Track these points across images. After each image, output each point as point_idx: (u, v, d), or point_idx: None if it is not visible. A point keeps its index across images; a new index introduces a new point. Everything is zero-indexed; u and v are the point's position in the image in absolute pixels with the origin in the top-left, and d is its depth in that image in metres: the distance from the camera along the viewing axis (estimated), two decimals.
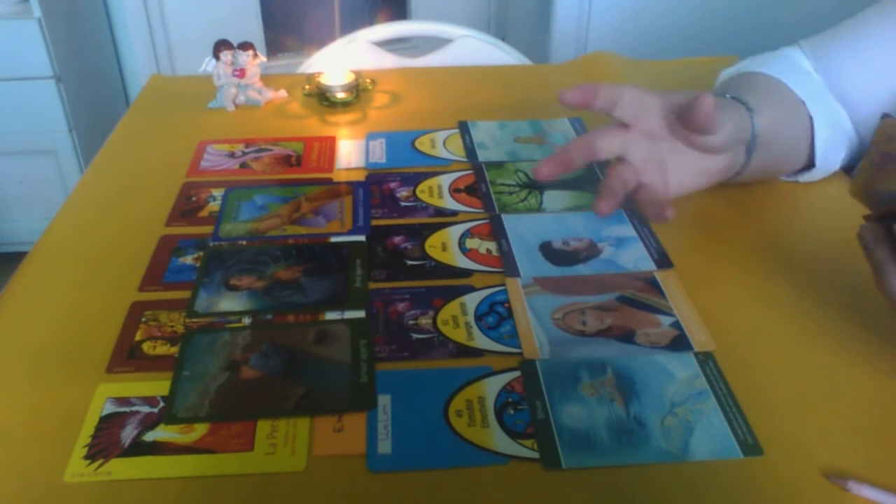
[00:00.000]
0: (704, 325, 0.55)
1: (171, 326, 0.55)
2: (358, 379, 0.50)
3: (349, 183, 0.73)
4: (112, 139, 0.82)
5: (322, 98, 0.88)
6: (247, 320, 0.56)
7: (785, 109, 0.69)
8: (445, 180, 0.74)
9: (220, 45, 0.86)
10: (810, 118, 0.69)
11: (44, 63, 1.68)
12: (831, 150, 0.71)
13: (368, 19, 2.21)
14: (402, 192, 0.72)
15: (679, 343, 0.54)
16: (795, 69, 0.72)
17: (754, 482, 0.44)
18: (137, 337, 0.54)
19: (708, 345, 0.53)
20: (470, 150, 0.79)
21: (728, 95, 0.65)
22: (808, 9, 0.73)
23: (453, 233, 0.66)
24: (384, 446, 0.46)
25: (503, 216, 0.68)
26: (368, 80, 0.91)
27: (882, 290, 0.48)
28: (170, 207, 0.69)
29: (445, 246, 0.64)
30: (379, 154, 0.79)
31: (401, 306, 0.57)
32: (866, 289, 0.51)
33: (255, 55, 0.87)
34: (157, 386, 0.50)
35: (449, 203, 0.70)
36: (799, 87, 0.70)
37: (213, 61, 0.86)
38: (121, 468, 0.44)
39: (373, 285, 0.59)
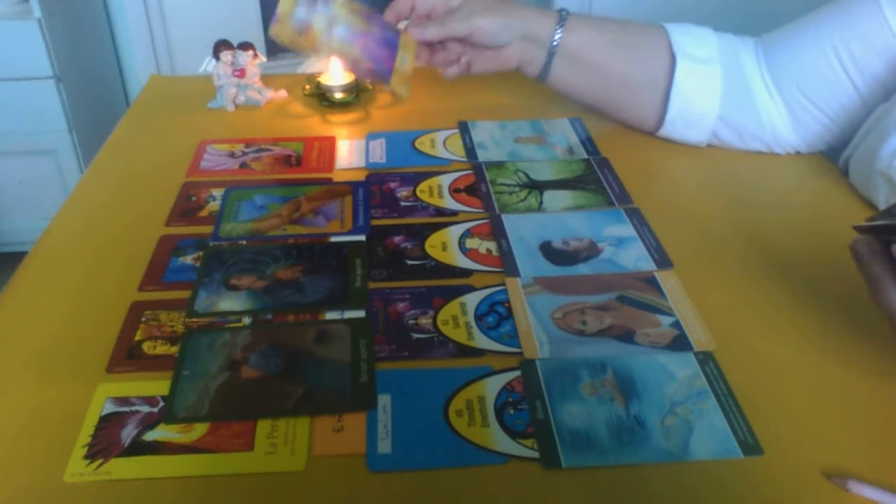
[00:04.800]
0: (704, 325, 0.55)
1: (171, 326, 0.55)
2: (358, 379, 0.50)
3: (349, 183, 0.73)
4: (112, 139, 0.82)
5: (322, 98, 0.88)
6: (247, 320, 0.56)
7: (631, 47, 0.77)
8: (445, 180, 0.74)
9: (220, 45, 0.85)
10: (671, 72, 0.74)
11: (44, 63, 1.68)
12: (696, 113, 0.76)
13: None
14: (402, 192, 0.72)
15: (679, 343, 0.53)
16: (698, 37, 0.76)
17: (754, 482, 0.44)
18: (137, 337, 0.54)
19: (708, 345, 0.53)
20: (470, 150, 0.79)
21: (561, 10, 0.76)
22: (812, 4, 0.73)
23: (453, 233, 0.66)
24: (384, 446, 0.46)
25: (503, 216, 0.68)
26: (369, 81, 0.91)
27: (879, 304, 0.46)
28: (170, 207, 0.69)
29: (445, 246, 0.64)
30: (379, 154, 0.78)
31: (401, 306, 0.57)
32: (866, 290, 0.51)
33: (255, 55, 0.86)
34: (157, 386, 0.50)
35: (449, 203, 0.70)
36: (680, 46, 0.74)
37: (213, 61, 0.86)
38: (121, 468, 0.44)
39: (373, 285, 0.59)
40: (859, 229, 0.48)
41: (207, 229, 0.66)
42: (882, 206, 0.66)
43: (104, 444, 0.46)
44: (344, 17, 0.71)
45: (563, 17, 0.75)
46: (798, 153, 0.78)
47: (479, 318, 0.56)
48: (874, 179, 0.67)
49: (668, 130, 0.78)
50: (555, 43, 0.75)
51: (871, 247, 0.47)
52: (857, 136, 0.72)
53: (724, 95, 0.75)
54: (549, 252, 0.63)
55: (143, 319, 0.55)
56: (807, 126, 0.75)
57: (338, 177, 0.75)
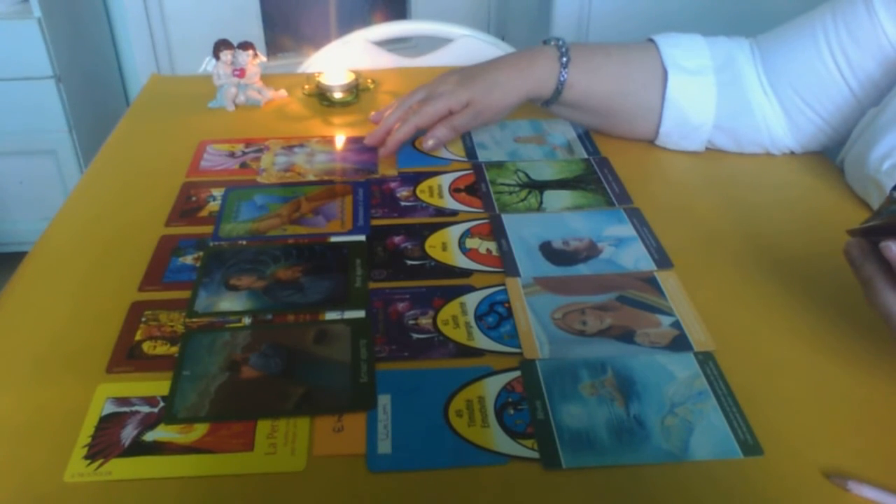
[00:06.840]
0: (704, 325, 0.55)
1: (171, 326, 0.55)
2: (358, 379, 0.50)
3: (349, 183, 0.73)
4: (112, 139, 0.82)
5: (322, 98, 0.88)
6: (247, 320, 0.56)
7: (628, 80, 0.77)
8: (445, 180, 0.74)
9: (220, 45, 0.85)
10: (664, 86, 0.75)
11: (44, 63, 1.68)
12: (691, 125, 0.76)
13: (368, 19, 2.21)
14: (402, 192, 0.72)
15: (679, 343, 0.53)
16: (688, 47, 0.76)
17: (754, 482, 0.44)
18: (137, 337, 0.54)
19: (708, 345, 0.53)
20: (470, 150, 0.79)
21: (561, 57, 0.75)
22: (813, 3, 0.73)
23: (453, 233, 0.66)
24: (384, 446, 0.46)
25: (503, 216, 0.68)
26: (369, 81, 0.91)
27: (873, 305, 0.47)
28: (170, 207, 0.69)
29: (445, 246, 0.64)
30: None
31: (401, 306, 0.57)
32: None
33: (255, 55, 0.86)
34: (157, 386, 0.50)
35: (449, 203, 0.70)
36: (671, 59, 0.75)
37: (213, 61, 0.86)
38: (121, 468, 0.44)
39: (373, 285, 0.59)
40: (852, 233, 0.49)
41: (207, 229, 0.66)
42: (875, 208, 0.66)
43: (104, 444, 0.46)
44: (320, 149, 0.78)
45: (563, 65, 0.74)
46: (793, 154, 0.78)
47: (479, 318, 0.56)
48: (865, 183, 0.67)
49: (663, 141, 0.79)
50: (558, 95, 0.76)
51: (862, 249, 0.47)
52: (850, 138, 0.72)
53: (719, 104, 0.75)
54: (549, 252, 0.63)
55: (143, 319, 0.55)
56: (802, 128, 0.75)
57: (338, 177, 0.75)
